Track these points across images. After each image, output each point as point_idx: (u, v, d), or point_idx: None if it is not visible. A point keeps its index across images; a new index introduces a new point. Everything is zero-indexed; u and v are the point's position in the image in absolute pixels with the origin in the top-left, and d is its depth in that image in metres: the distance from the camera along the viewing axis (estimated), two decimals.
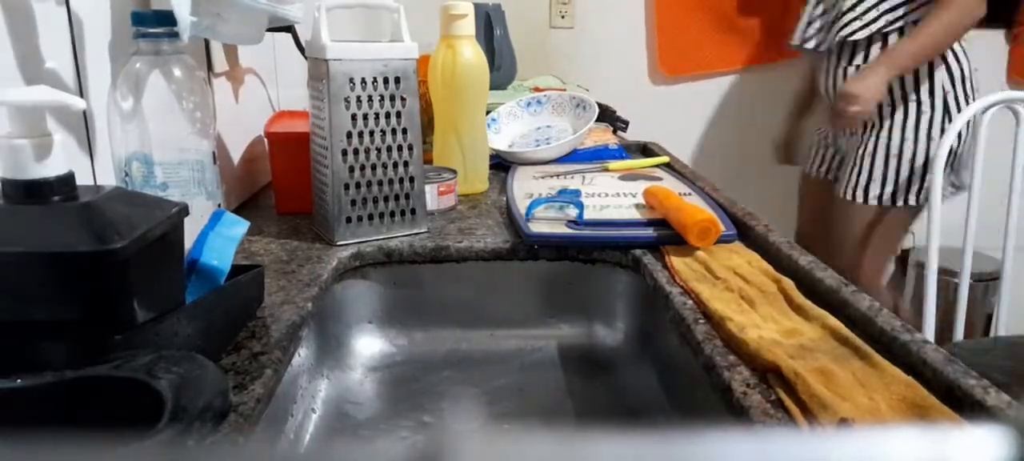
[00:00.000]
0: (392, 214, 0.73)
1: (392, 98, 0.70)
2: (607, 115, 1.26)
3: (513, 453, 0.16)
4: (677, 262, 0.65)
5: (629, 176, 0.94)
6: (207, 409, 0.37)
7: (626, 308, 0.73)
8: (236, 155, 0.85)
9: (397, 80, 0.70)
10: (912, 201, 1.43)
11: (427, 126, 1.09)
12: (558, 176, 0.95)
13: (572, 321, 0.75)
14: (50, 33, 0.53)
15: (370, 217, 0.72)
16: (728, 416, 0.46)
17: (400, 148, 0.72)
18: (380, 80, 0.69)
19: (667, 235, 0.71)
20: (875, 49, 1.40)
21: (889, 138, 1.42)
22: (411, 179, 0.74)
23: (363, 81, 0.68)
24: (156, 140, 0.58)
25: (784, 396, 0.44)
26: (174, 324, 0.44)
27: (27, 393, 0.37)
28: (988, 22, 1.47)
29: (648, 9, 2.02)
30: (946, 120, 1.39)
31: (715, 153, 2.13)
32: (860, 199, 1.45)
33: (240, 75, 0.87)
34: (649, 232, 0.72)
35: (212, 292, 0.49)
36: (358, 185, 0.70)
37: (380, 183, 0.72)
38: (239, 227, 0.54)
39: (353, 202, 0.70)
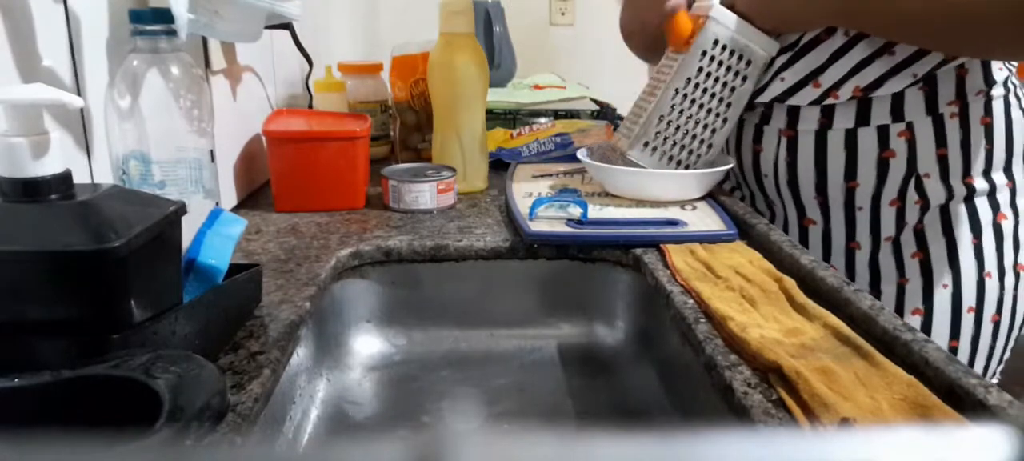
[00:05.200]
0: (678, 164, 0.82)
1: (736, 73, 0.78)
2: (607, 113, 1.26)
3: (513, 453, 0.16)
4: (678, 261, 0.65)
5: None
6: (205, 409, 0.36)
7: (626, 307, 0.73)
8: (234, 153, 0.85)
9: (748, 62, 0.77)
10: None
11: (426, 124, 1.09)
12: (558, 175, 0.95)
13: (572, 320, 0.75)
14: (47, 31, 0.52)
15: (662, 154, 0.81)
16: (729, 416, 0.46)
17: (716, 116, 0.80)
18: (736, 55, 0.76)
19: (668, 234, 0.71)
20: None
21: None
22: (708, 147, 0.81)
23: (723, 47, 0.76)
24: (154, 138, 0.58)
25: (785, 396, 0.43)
26: (172, 323, 0.43)
27: (24, 392, 0.37)
28: None
29: None
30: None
31: None
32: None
33: (238, 73, 0.87)
34: (650, 231, 0.72)
35: (210, 291, 0.48)
36: (669, 123, 0.79)
37: (685, 133, 0.80)
38: (237, 226, 0.54)
39: (657, 133, 0.80)
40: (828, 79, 0.74)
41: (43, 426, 0.37)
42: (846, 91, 0.73)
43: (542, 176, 0.94)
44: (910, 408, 0.41)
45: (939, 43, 0.69)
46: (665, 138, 0.80)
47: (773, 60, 0.77)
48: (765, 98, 0.78)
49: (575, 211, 0.76)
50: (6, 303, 0.39)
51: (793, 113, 0.77)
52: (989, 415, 0.40)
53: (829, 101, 0.74)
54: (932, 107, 0.73)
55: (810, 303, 0.55)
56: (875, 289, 0.79)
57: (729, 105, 0.78)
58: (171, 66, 0.58)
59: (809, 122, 0.77)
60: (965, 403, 0.41)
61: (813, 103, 0.75)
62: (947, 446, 0.17)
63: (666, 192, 0.80)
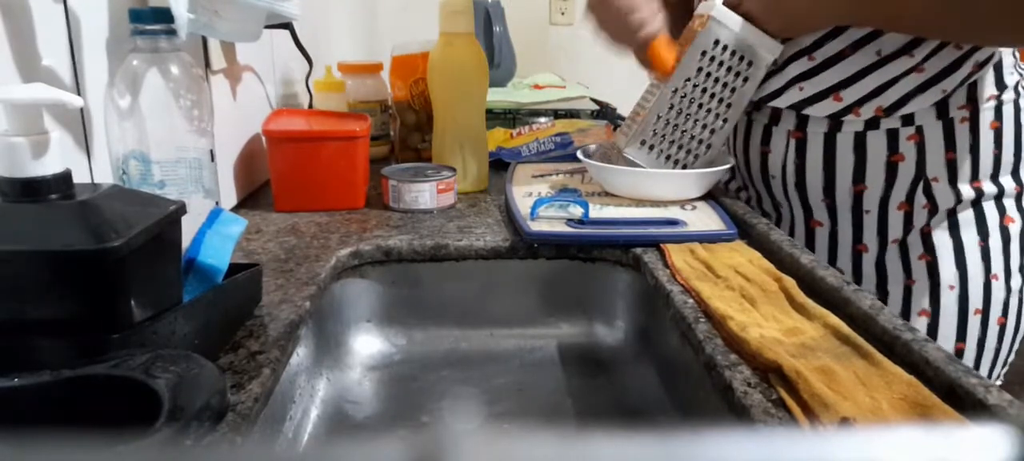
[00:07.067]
0: (677, 163, 0.81)
1: (737, 74, 0.77)
2: (607, 113, 1.26)
3: (513, 453, 0.16)
4: (678, 260, 0.65)
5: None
6: (205, 409, 0.36)
7: (626, 307, 0.73)
8: (234, 153, 0.85)
9: (750, 63, 0.76)
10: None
11: (426, 124, 1.09)
12: (558, 174, 0.95)
13: (572, 320, 0.75)
14: (47, 30, 0.52)
15: (660, 153, 0.80)
16: (729, 416, 0.46)
17: (716, 116, 0.79)
18: (737, 55, 0.76)
19: (668, 234, 0.71)
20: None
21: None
22: (707, 147, 0.80)
23: (724, 47, 0.75)
24: (153, 138, 0.58)
25: (785, 395, 0.43)
26: (171, 323, 0.43)
27: (24, 392, 0.37)
28: None
29: None
30: None
31: None
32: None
33: (238, 73, 0.87)
34: (650, 231, 0.72)
35: (210, 291, 0.48)
36: (667, 122, 0.79)
37: (683, 132, 0.80)
38: (237, 226, 0.54)
39: (655, 132, 0.79)
40: (850, 95, 0.73)
41: (43, 426, 0.37)
42: (867, 111, 0.73)
43: (542, 176, 0.94)
44: (910, 408, 0.41)
45: (941, 32, 0.68)
46: (663, 137, 0.80)
47: (788, 65, 0.76)
48: (781, 103, 0.77)
49: (576, 211, 0.76)
50: (6, 303, 0.39)
51: (803, 115, 0.77)
52: (989, 415, 0.40)
53: (849, 117, 0.74)
54: (943, 111, 0.73)
55: (810, 303, 0.55)
56: (882, 290, 0.79)
57: (729, 105, 0.78)
58: (171, 66, 0.58)
59: (819, 124, 0.76)
60: (965, 403, 0.41)
61: (832, 116, 0.75)
62: (947, 446, 0.17)
63: (666, 192, 0.80)
